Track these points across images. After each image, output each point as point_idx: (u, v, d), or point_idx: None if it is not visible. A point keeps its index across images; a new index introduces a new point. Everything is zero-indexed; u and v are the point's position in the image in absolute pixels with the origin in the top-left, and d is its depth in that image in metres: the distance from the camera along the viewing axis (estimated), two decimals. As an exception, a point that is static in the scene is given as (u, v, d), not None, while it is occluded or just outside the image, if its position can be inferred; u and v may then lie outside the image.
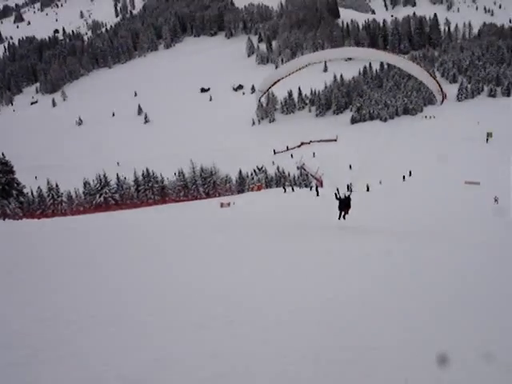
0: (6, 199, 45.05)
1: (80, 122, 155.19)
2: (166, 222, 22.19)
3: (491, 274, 9.50)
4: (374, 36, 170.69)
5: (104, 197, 63.02)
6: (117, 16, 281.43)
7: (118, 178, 66.30)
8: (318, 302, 7.16)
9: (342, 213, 16.88)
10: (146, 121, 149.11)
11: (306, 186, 65.30)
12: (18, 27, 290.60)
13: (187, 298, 7.22)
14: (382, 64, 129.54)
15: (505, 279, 9.04)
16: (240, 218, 24.68)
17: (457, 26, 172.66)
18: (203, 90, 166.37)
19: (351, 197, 16.90)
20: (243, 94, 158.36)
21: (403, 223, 20.49)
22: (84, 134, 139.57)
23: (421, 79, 13.96)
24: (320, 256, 11.36)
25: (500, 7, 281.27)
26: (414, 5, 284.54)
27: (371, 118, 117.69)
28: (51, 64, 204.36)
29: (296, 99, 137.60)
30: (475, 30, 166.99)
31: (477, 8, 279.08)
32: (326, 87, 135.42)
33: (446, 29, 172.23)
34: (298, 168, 71.27)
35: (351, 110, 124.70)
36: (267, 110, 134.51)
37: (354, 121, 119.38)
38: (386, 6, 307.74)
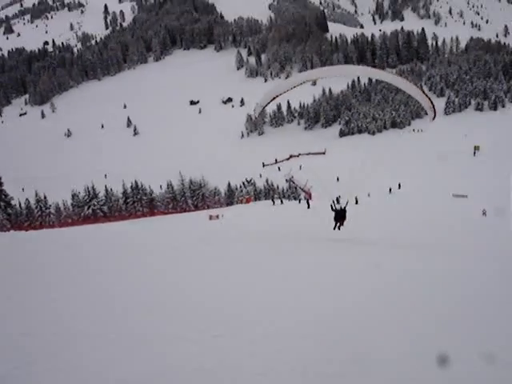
0: (-7, 211, 44.74)
1: (69, 134, 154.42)
2: (152, 235, 22.09)
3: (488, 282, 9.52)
4: (363, 50, 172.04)
5: (92, 209, 62.76)
6: (107, 28, 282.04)
7: (106, 190, 66.07)
8: (309, 314, 7.08)
9: (338, 224, 17.03)
10: (135, 133, 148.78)
11: (295, 199, 65.40)
12: (7, 39, 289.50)
13: (173, 310, 7.14)
14: (370, 78, 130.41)
15: (500, 288, 9.07)
16: (229, 231, 24.62)
17: (444, 40, 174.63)
18: (192, 103, 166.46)
19: (347, 209, 17.07)
20: (232, 106, 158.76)
21: (394, 235, 20.58)
22: (73, 145, 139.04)
23: (415, 97, 14.33)
24: (311, 268, 11.27)
25: (487, 22, 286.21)
26: (402, 19, 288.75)
27: (359, 132, 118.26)
28: (40, 76, 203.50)
29: (285, 112, 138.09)
30: (462, 45, 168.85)
31: (464, 23, 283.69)
32: (314, 100, 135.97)
33: (434, 43, 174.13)
34: (286, 181, 71.50)
35: (340, 124, 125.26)
36: (256, 123, 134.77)
37: (342, 134, 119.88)
38: (374, 20, 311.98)
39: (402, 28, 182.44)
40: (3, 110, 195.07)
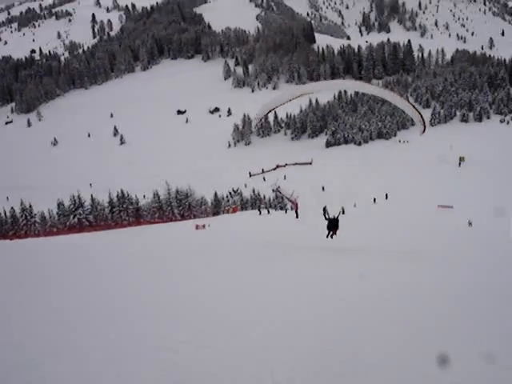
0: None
1: (55, 143, 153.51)
2: (138, 245, 22.03)
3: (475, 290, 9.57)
4: (349, 61, 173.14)
5: (78, 218, 62.41)
6: (94, 37, 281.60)
7: (92, 199, 65.74)
8: (291, 326, 6.83)
9: (331, 232, 17.26)
10: (122, 142, 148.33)
11: (282, 209, 65.43)
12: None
13: (158, 320, 6.99)
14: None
15: (493, 293, 9.13)
16: (215, 240, 24.56)
17: (430, 52, 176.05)
18: (179, 112, 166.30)
19: (339, 218, 17.35)
20: (219, 116, 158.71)
21: (382, 244, 20.68)
22: (59, 154, 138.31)
23: (407, 112, 14.70)
24: (300, 276, 11.28)
25: (472, 34, 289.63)
26: (388, 31, 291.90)
27: (346, 142, 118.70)
28: (27, 84, 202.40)
29: (272, 122, 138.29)
30: (448, 57, 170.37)
31: (450, 35, 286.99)
32: (301, 111, 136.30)
33: (420, 55, 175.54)
34: (273, 191, 71.50)
35: (326, 134, 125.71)
36: (243, 133, 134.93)
37: (328, 144, 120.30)
38: (360, 32, 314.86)
39: (389, 40, 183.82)
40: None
